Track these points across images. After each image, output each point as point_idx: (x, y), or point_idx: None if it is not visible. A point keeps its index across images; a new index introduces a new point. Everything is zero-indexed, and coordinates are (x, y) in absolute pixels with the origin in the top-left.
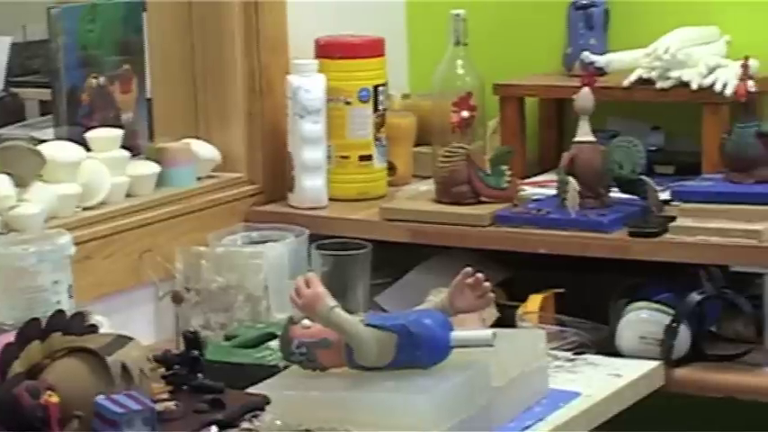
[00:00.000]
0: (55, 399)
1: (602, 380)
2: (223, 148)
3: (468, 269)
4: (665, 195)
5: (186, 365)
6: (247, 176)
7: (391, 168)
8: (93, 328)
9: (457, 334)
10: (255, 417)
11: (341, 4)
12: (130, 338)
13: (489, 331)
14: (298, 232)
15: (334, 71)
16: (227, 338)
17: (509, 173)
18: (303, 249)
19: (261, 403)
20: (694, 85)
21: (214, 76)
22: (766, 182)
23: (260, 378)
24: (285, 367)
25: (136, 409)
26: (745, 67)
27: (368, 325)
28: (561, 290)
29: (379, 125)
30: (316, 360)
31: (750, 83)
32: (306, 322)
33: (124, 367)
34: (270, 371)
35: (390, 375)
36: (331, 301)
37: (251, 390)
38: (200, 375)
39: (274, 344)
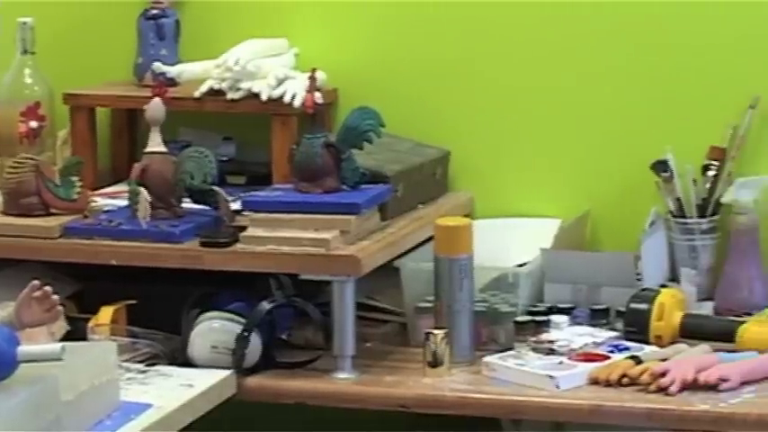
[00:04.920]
0: None
1: (175, 390)
2: None
3: (36, 282)
4: (236, 205)
5: None
6: None
7: None
8: None
9: (24, 348)
10: None
11: None
12: None
13: (58, 345)
14: None
15: None
16: None
17: (79, 184)
18: None
19: None
20: (264, 97)
21: None
22: (334, 191)
23: None
24: None
25: None
26: (312, 79)
27: None
28: (133, 301)
29: None
30: None
31: (318, 95)
32: None
33: None
34: None
35: None
36: None
37: None
38: None
39: None
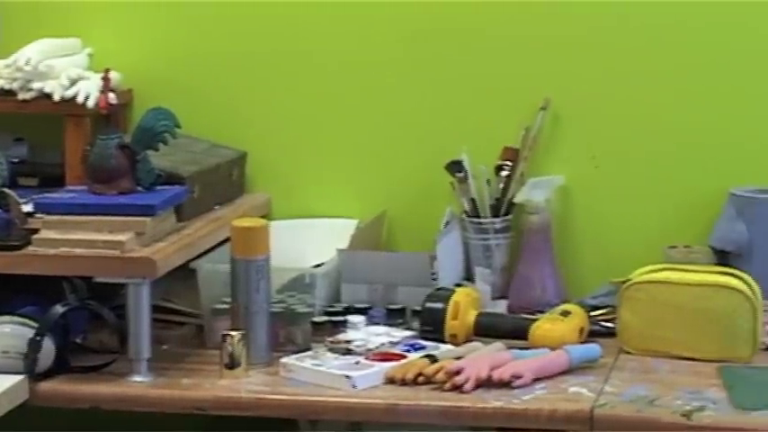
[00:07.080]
0: None
1: None
2: None
3: None
4: (28, 208)
5: None
6: None
7: None
8: None
9: None
10: None
11: None
12: None
13: None
14: None
15: None
16: None
17: None
18: None
19: None
20: (57, 97)
21: None
22: (128, 193)
23: None
24: None
25: None
26: (106, 79)
27: None
28: None
29: None
30: None
31: (111, 95)
32: None
33: None
34: None
35: None
36: None
37: None
38: None
39: None
